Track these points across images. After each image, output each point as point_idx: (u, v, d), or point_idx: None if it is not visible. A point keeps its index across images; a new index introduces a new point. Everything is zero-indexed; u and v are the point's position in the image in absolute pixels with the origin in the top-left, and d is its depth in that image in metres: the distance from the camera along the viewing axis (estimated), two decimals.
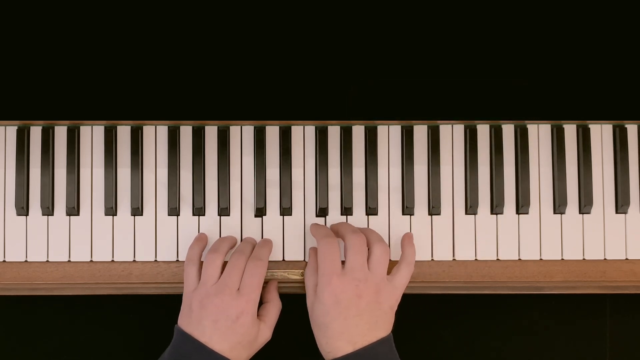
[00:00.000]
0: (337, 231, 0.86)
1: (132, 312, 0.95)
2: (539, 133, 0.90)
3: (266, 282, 0.88)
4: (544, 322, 0.97)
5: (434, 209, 0.89)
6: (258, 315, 0.84)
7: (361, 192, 0.90)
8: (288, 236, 0.89)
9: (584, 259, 0.89)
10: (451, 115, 0.80)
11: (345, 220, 0.89)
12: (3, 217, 0.89)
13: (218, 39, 0.78)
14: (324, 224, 0.89)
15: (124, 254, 0.89)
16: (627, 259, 0.89)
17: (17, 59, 0.77)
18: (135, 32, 0.78)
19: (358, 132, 0.90)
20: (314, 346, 0.86)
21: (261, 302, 0.86)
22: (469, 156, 0.90)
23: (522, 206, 0.89)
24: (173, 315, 0.85)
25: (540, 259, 0.89)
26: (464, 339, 0.97)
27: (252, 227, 0.89)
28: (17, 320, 0.96)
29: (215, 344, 0.80)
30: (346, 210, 0.89)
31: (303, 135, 0.90)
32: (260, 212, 0.89)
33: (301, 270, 0.88)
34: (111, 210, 0.88)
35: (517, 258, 0.89)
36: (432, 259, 0.89)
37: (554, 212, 0.90)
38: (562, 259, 0.89)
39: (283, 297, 0.90)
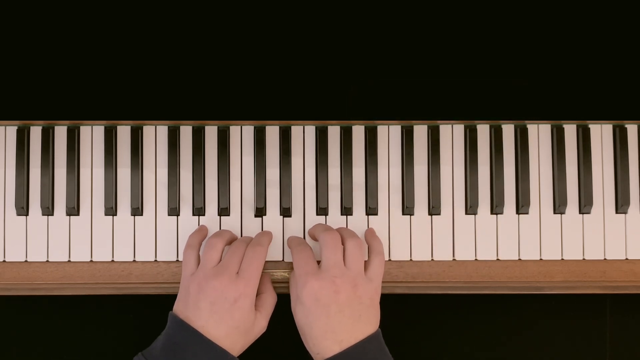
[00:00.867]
0: (312, 234, 0.87)
1: (132, 312, 0.95)
2: (539, 133, 0.90)
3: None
4: (544, 322, 0.97)
5: (434, 209, 0.89)
6: (254, 305, 0.83)
7: (361, 192, 0.90)
8: (288, 236, 0.89)
9: (584, 259, 0.89)
10: (451, 115, 0.80)
11: (345, 220, 0.89)
12: (3, 217, 0.89)
13: (218, 39, 0.78)
14: (300, 238, 0.89)
15: (124, 254, 0.89)
16: (627, 259, 0.89)
17: (17, 59, 0.77)
18: (135, 32, 0.78)
19: (358, 132, 0.90)
20: None
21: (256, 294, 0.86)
22: (469, 156, 0.90)
23: (522, 206, 0.89)
24: None
25: (540, 259, 0.89)
26: (464, 339, 0.97)
27: (252, 227, 0.89)
28: (17, 320, 0.96)
29: (211, 329, 0.79)
30: (346, 210, 0.89)
31: (303, 135, 0.90)
32: (260, 212, 0.89)
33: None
34: (111, 210, 0.88)
35: (517, 258, 0.89)
36: (432, 259, 0.89)
37: (554, 212, 0.90)
38: (562, 259, 0.89)
39: (282, 297, 0.90)
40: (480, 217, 0.90)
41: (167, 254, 0.88)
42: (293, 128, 0.90)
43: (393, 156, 0.90)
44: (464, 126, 0.90)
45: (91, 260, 0.89)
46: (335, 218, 0.89)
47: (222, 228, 0.89)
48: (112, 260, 0.89)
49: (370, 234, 0.88)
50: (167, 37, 0.78)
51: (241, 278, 0.81)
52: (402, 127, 0.90)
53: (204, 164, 0.89)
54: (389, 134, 0.90)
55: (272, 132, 0.90)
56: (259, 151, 0.89)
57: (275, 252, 0.89)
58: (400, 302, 0.91)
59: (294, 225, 0.89)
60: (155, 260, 0.89)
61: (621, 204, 0.89)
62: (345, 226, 0.89)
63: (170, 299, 0.87)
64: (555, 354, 0.97)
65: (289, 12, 0.78)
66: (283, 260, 0.89)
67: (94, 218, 0.89)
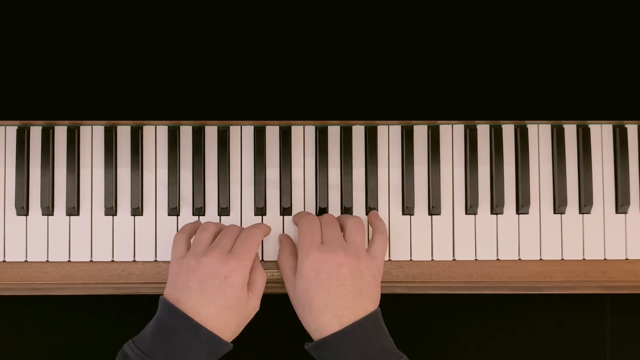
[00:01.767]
0: (296, 219, 0.87)
1: (132, 312, 0.95)
2: (539, 133, 0.91)
3: None
4: (544, 322, 0.97)
5: (434, 209, 0.89)
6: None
7: (361, 192, 0.90)
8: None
9: (584, 259, 0.89)
10: (451, 115, 0.80)
11: None
12: (3, 217, 0.89)
13: (218, 39, 0.78)
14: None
15: (124, 254, 0.89)
16: (627, 259, 0.89)
17: (17, 58, 0.77)
18: (135, 32, 0.78)
19: (358, 132, 0.90)
20: None
21: None
22: (469, 156, 0.90)
23: (522, 206, 0.89)
24: None
25: (540, 259, 0.89)
26: (464, 339, 0.97)
27: None
28: (17, 320, 0.96)
29: (202, 308, 0.77)
30: (346, 210, 0.89)
31: (303, 135, 0.90)
32: (260, 212, 0.89)
33: None
34: (111, 210, 0.88)
35: (517, 258, 0.89)
36: (432, 259, 0.89)
37: (554, 212, 0.90)
38: (562, 259, 0.89)
39: (283, 297, 0.90)
40: (480, 217, 0.90)
41: (167, 254, 0.88)
42: (293, 128, 0.90)
43: (393, 156, 0.90)
44: (464, 126, 0.90)
45: (91, 260, 0.89)
46: None
47: None
48: (112, 260, 0.89)
49: (373, 215, 0.88)
50: (167, 37, 0.78)
51: (233, 254, 0.79)
52: (402, 127, 0.90)
53: (204, 164, 0.89)
54: (389, 134, 0.90)
55: (272, 132, 0.90)
56: (259, 151, 0.89)
57: (275, 252, 0.89)
58: (400, 302, 0.91)
59: (294, 225, 0.89)
60: (155, 260, 0.89)
61: (621, 204, 0.89)
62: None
63: None
64: (555, 354, 0.97)
65: (289, 12, 0.78)
66: None
67: (94, 218, 0.89)
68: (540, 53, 0.78)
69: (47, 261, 0.88)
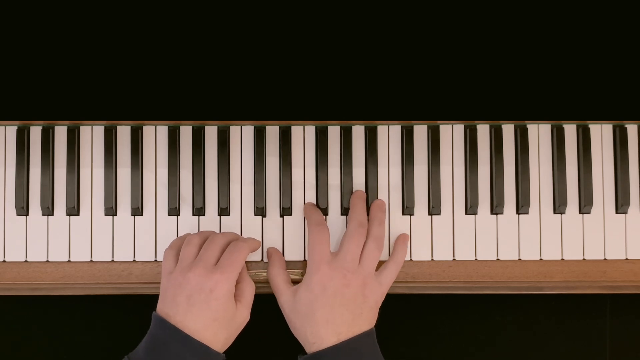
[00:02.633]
0: (350, 207, 0.87)
1: (132, 312, 0.95)
2: (539, 133, 0.91)
3: None
4: (544, 322, 0.97)
5: (434, 209, 0.89)
6: (234, 296, 0.82)
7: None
8: (288, 236, 0.89)
9: (584, 259, 0.89)
10: (451, 115, 0.80)
11: (345, 220, 0.89)
12: (3, 217, 0.89)
13: (218, 39, 0.78)
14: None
15: (124, 254, 0.89)
16: (627, 259, 0.89)
17: (17, 58, 0.77)
18: (135, 32, 0.78)
19: (358, 132, 0.90)
20: None
21: None
22: (469, 156, 0.90)
23: (522, 206, 0.89)
24: None
25: (540, 259, 0.89)
26: (464, 338, 0.97)
27: (252, 227, 0.89)
28: (17, 320, 0.96)
29: (190, 322, 0.78)
30: (346, 210, 0.89)
31: (303, 135, 0.90)
32: (260, 212, 0.89)
33: (301, 271, 0.88)
34: (111, 210, 0.88)
35: (517, 258, 0.89)
36: (432, 259, 0.89)
37: (554, 212, 0.90)
38: (562, 259, 0.89)
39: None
40: (480, 217, 0.90)
41: None
42: (293, 128, 0.90)
43: (393, 156, 0.90)
44: (464, 126, 0.90)
45: (91, 260, 0.89)
46: (335, 218, 0.89)
47: (222, 228, 0.89)
48: (112, 260, 0.89)
49: (401, 240, 0.88)
50: (167, 37, 0.78)
51: (217, 268, 0.80)
52: (402, 127, 0.90)
53: (204, 164, 0.89)
54: (389, 134, 0.90)
55: (272, 132, 0.90)
56: (259, 151, 0.89)
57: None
58: (400, 302, 0.91)
59: (293, 225, 0.89)
60: (155, 260, 0.89)
61: (621, 204, 0.89)
62: (344, 226, 0.89)
63: None
64: (555, 354, 0.97)
65: (289, 12, 0.78)
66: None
67: (94, 218, 0.89)
68: (540, 53, 0.78)
69: (47, 261, 0.88)
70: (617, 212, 0.90)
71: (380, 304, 0.84)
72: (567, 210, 0.89)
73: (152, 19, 0.77)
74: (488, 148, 0.90)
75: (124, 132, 0.90)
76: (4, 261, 0.88)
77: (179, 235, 0.89)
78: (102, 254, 0.88)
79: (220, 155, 0.89)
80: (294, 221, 0.89)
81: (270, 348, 0.95)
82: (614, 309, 0.97)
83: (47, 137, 0.89)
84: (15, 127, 0.90)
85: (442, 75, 0.79)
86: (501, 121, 0.90)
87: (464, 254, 0.89)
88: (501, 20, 0.78)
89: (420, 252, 0.89)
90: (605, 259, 0.89)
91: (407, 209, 0.89)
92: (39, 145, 0.89)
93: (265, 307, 0.86)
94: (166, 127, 0.90)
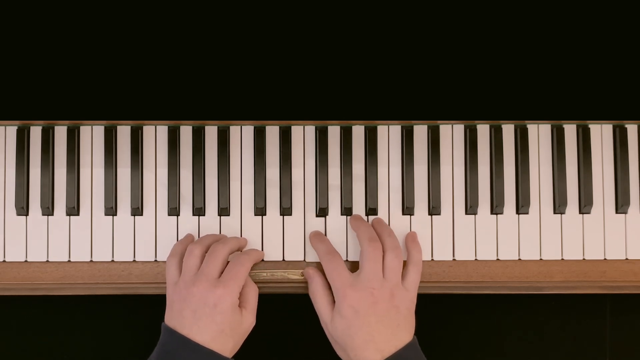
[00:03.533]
0: (355, 231, 0.87)
1: (132, 312, 0.95)
2: (539, 133, 0.91)
3: None
4: (544, 322, 0.97)
5: (434, 209, 0.89)
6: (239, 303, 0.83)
7: (361, 192, 0.90)
8: (288, 236, 0.89)
9: (584, 259, 0.89)
10: (451, 115, 0.80)
11: (345, 220, 0.89)
12: (3, 217, 0.89)
13: (218, 39, 0.78)
14: (321, 232, 0.89)
15: (124, 254, 0.89)
16: (627, 259, 0.89)
17: (17, 58, 0.77)
18: (135, 32, 0.78)
19: (358, 132, 0.90)
20: (314, 344, 0.86)
21: None
22: (469, 156, 0.90)
23: (522, 206, 0.89)
24: None
25: (540, 259, 0.89)
26: (464, 339, 0.97)
27: (252, 227, 0.89)
28: (17, 320, 0.96)
29: (196, 335, 0.79)
30: (346, 210, 0.89)
31: (303, 135, 0.90)
32: (260, 212, 0.89)
33: (301, 271, 0.88)
34: (111, 210, 0.88)
35: (517, 258, 0.89)
36: (432, 259, 0.89)
37: (554, 212, 0.90)
38: (562, 259, 0.89)
39: (283, 297, 0.90)
40: (480, 217, 0.90)
41: (167, 254, 0.88)
42: (293, 128, 0.90)
43: (393, 156, 0.90)
44: (464, 126, 0.90)
45: (91, 260, 0.89)
46: (335, 218, 0.89)
47: (222, 228, 0.89)
48: (112, 260, 0.89)
49: (410, 240, 0.88)
50: (167, 37, 0.78)
51: (220, 282, 0.81)
52: (402, 127, 0.90)
53: (204, 164, 0.89)
54: (389, 134, 0.90)
55: (272, 132, 0.90)
56: (259, 151, 0.89)
57: (275, 252, 0.89)
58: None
59: (294, 225, 0.89)
60: (155, 260, 0.89)
61: (621, 204, 0.89)
62: (344, 226, 0.89)
63: None
64: (555, 354, 0.97)
65: (289, 11, 0.78)
66: (283, 260, 0.89)
67: (94, 218, 0.89)
68: (540, 53, 0.78)
69: (47, 261, 0.88)
70: (617, 212, 0.90)
71: (413, 310, 0.84)
72: (567, 210, 0.90)
73: (152, 19, 0.77)
74: (488, 148, 0.90)
75: (124, 132, 0.90)
76: (4, 261, 0.88)
77: (179, 236, 0.89)
78: (102, 254, 0.88)
79: (220, 155, 0.89)
80: (294, 221, 0.89)
81: (271, 348, 0.95)
82: (614, 309, 0.97)
83: (47, 137, 0.89)
84: (15, 127, 0.90)
85: (442, 75, 0.79)
86: (501, 121, 0.90)
87: (464, 254, 0.89)
88: (501, 20, 0.78)
89: None
90: (605, 259, 0.89)
91: (407, 209, 0.89)
92: (39, 145, 0.89)
93: (267, 307, 0.86)
94: (166, 127, 0.90)
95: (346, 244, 0.89)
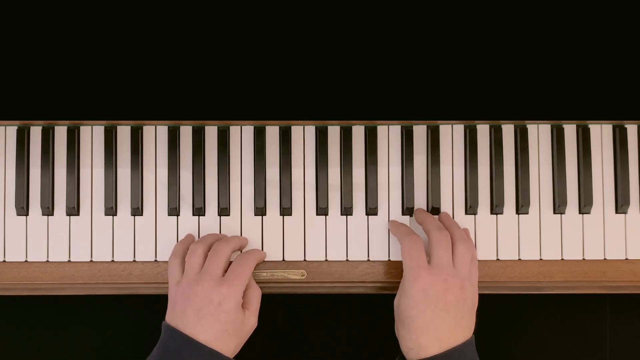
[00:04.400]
0: (421, 223, 0.87)
1: (132, 312, 0.95)
2: (539, 133, 0.91)
3: None
4: (544, 322, 0.97)
5: (433, 209, 0.89)
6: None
7: (361, 192, 0.90)
8: (288, 236, 0.89)
9: (584, 259, 0.89)
10: (451, 116, 0.80)
11: (345, 221, 0.89)
12: (3, 217, 0.89)
13: (218, 39, 0.78)
14: (403, 223, 0.89)
15: (124, 254, 0.89)
16: (627, 259, 0.89)
17: (17, 58, 0.77)
18: (135, 32, 0.78)
19: (358, 132, 0.90)
20: (314, 344, 0.86)
21: None
22: (469, 156, 0.90)
23: (522, 206, 0.89)
24: None
25: (540, 259, 0.89)
26: None
27: (252, 227, 0.89)
28: (17, 320, 0.96)
29: (200, 334, 0.79)
30: (346, 210, 0.89)
31: (303, 135, 0.90)
32: (260, 212, 0.89)
33: (301, 271, 0.88)
34: (111, 210, 0.88)
35: (517, 258, 0.89)
36: None
37: (554, 212, 0.90)
38: (562, 259, 0.89)
39: (283, 297, 0.90)
40: (480, 217, 0.90)
41: (167, 254, 0.88)
42: (293, 128, 0.90)
43: (393, 156, 0.90)
44: (464, 126, 0.90)
45: (91, 260, 0.89)
46: (335, 218, 0.89)
47: (222, 228, 0.89)
48: (112, 260, 0.89)
49: (459, 237, 0.86)
50: (167, 37, 0.78)
51: (225, 280, 0.81)
52: (402, 127, 0.90)
53: (204, 164, 0.89)
54: (389, 134, 0.90)
55: (272, 132, 0.90)
56: (259, 151, 0.89)
57: (275, 252, 0.89)
58: None
59: (293, 225, 0.89)
60: (155, 260, 0.89)
61: (621, 204, 0.89)
62: (345, 225, 0.89)
63: None
64: (555, 354, 0.97)
65: (289, 11, 0.78)
66: (283, 260, 0.89)
67: (94, 218, 0.89)
68: (540, 53, 0.78)
69: (47, 261, 0.88)
70: (617, 212, 0.90)
71: (476, 307, 0.84)
72: (567, 210, 0.90)
73: (152, 19, 0.77)
74: (488, 148, 0.90)
75: (124, 132, 0.90)
76: (4, 261, 0.88)
77: (179, 236, 0.89)
78: (102, 254, 0.89)
79: (220, 155, 0.89)
80: (294, 221, 0.89)
81: (271, 348, 0.95)
82: (614, 309, 0.97)
83: (47, 137, 0.89)
84: (15, 127, 0.90)
85: (441, 76, 0.79)
86: (501, 121, 0.90)
87: None
88: (501, 20, 0.78)
89: None
90: (605, 259, 0.89)
91: (407, 209, 0.89)
92: (39, 145, 0.89)
93: (267, 307, 0.86)
94: (166, 127, 0.90)
95: (346, 244, 0.89)
